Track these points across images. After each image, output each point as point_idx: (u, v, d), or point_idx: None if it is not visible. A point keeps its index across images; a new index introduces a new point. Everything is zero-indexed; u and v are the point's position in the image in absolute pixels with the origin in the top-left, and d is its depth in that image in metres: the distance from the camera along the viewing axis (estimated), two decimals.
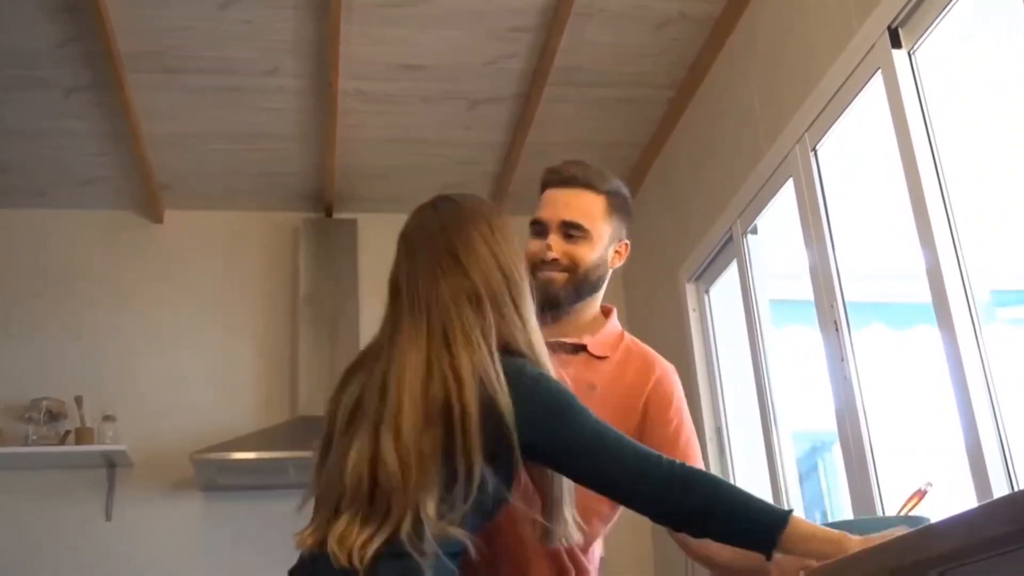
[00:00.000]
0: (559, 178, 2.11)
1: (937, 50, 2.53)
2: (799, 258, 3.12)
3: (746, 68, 3.48)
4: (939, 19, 2.45)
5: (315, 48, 3.65)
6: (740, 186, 3.51)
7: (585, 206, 2.07)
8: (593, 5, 3.48)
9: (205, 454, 4.04)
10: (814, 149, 3.01)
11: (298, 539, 1.60)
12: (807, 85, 3.00)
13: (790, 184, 3.16)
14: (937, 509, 1.81)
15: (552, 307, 2.03)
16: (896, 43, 2.57)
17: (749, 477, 3.62)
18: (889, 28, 2.57)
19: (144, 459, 4.30)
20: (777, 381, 3.38)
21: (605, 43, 3.70)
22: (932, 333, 2.64)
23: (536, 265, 2.01)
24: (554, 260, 2.03)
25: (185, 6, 3.41)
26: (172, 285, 4.63)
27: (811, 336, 3.10)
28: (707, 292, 3.98)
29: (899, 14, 2.54)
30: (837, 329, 2.86)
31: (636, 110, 4.12)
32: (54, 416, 4.24)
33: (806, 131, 3.02)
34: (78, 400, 4.22)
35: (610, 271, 2.14)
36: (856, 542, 1.55)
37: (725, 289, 3.85)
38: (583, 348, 2.06)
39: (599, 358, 2.07)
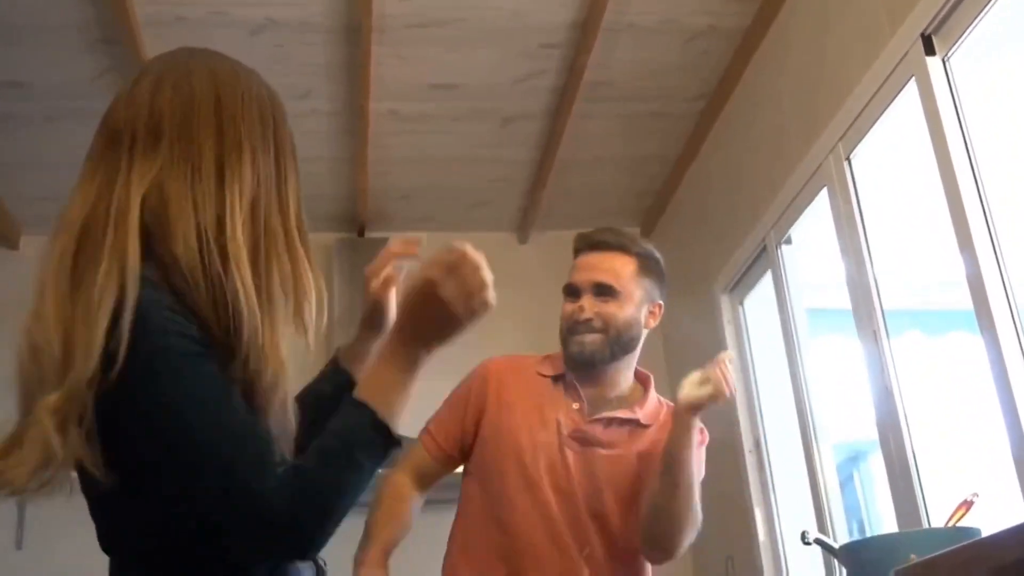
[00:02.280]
0: (590, 243, 2.24)
1: (972, 56, 2.52)
2: (834, 267, 3.11)
3: (777, 79, 3.48)
4: (973, 25, 2.44)
5: (347, 71, 3.68)
6: (773, 197, 3.50)
7: (616, 268, 2.19)
8: (622, 21, 3.49)
9: None
10: (848, 158, 3.01)
11: None
12: (840, 94, 2.99)
13: (824, 194, 3.16)
14: (984, 519, 1.80)
15: (588, 367, 2.18)
16: (930, 50, 2.56)
17: (789, 490, 3.60)
18: (922, 35, 2.56)
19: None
20: (816, 392, 3.36)
21: (635, 58, 3.71)
22: (969, 340, 2.62)
23: (570, 327, 2.17)
24: (587, 320, 2.15)
25: (217, 33, 3.45)
26: None
27: (848, 345, 3.09)
28: (742, 304, 3.97)
29: (932, 21, 2.53)
30: (876, 338, 2.84)
31: (667, 124, 4.13)
32: None
33: (839, 140, 3.01)
34: None
35: (644, 333, 2.25)
36: None
37: (760, 300, 3.84)
38: (636, 422, 2.20)
39: (645, 427, 2.22)
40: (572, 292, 2.19)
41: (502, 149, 4.24)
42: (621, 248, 2.21)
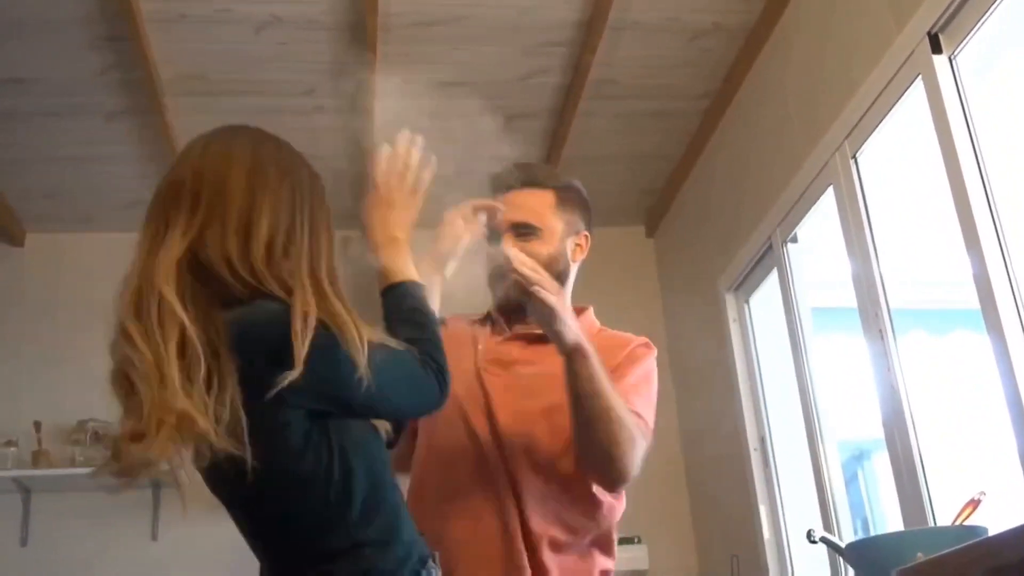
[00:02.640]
0: (503, 184, 2.12)
1: (979, 54, 2.52)
2: (840, 266, 3.11)
3: (782, 77, 3.48)
4: (980, 24, 2.44)
5: (351, 68, 3.68)
6: (779, 195, 3.49)
7: (534, 204, 2.08)
8: (627, 19, 3.49)
9: None
10: (854, 156, 3.00)
11: None
12: (846, 92, 2.99)
13: (830, 192, 3.15)
14: (991, 518, 1.80)
15: (517, 311, 2.04)
16: (936, 49, 2.55)
17: (794, 487, 3.60)
18: (929, 34, 2.56)
19: (188, 478, 4.33)
20: (821, 390, 3.36)
21: (639, 56, 3.70)
22: (974, 339, 2.62)
23: (493, 271, 1.98)
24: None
25: (223, 30, 3.46)
26: None
27: (853, 344, 3.09)
28: (747, 302, 3.96)
29: (939, 19, 2.52)
30: (882, 337, 2.84)
31: (671, 122, 4.13)
32: (100, 438, 4.28)
33: (846, 138, 3.01)
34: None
35: (573, 265, 2.12)
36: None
37: (766, 299, 3.83)
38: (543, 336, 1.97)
39: None
40: (491, 236, 2.04)
41: (506, 147, 4.23)
42: (536, 183, 2.11)
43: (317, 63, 3.66)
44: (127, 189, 4.40)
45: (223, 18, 3.38)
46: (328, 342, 1.39)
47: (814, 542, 2.12)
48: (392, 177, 1.73)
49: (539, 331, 1.99)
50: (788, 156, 3.42)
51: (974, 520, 1.78)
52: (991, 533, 1.65)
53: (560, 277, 2.05)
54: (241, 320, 1.40)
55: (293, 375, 1.34)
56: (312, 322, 1.39)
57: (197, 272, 1.44)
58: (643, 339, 2.11)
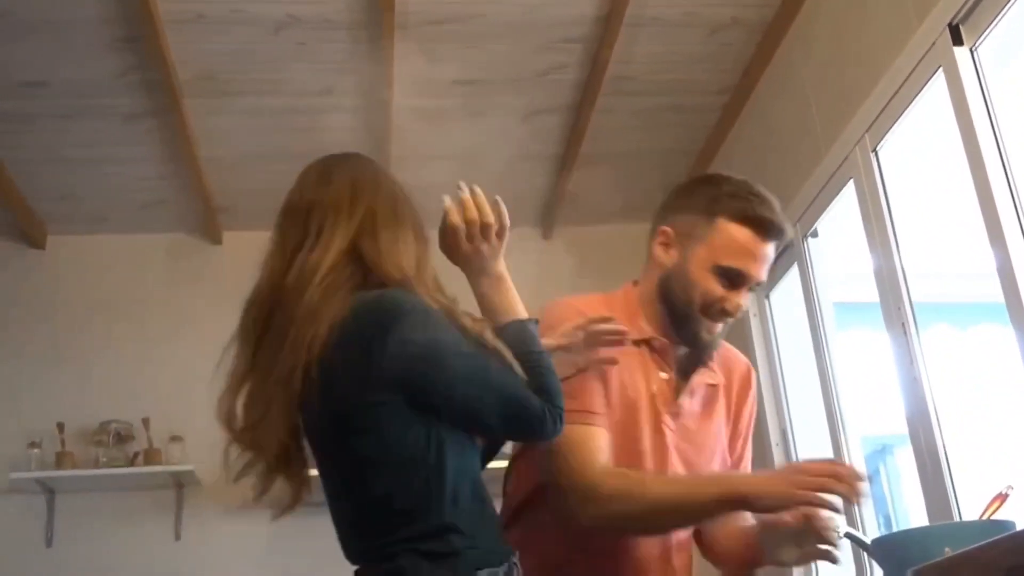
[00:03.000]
0: (774, 230, 1.88)
1: (1000, 45, 2.50)
2: (860, 260, 3.09)
3: (801, 71, 3.46)
4: (1001, 14, 2.42)
5: (368, 67, 3.68)
6: (798, 190, 3.48)
7: (770, 260, 1.92)
8: (645, 14, 3.48)
9: None
10: (875, 150, 2.98)
11: None
12: (866, 86, 2.97)
13: (851, 186, 3.13)
14: (1020, 512, 1.78)
15: (701, 351, 1.92)
16: (958, 40, 2.53)
17: None
18: (950, 25, 2.54)
19: (211, 478, 4.35)
20: (843, 384, 3.34)
21: (657, 52, 3.69)
22: (999, 332, 2.60)
23: (712, 312, 1.86)
24: (734, 316, 1.88)
25: (240, 31, 3.46)
26: (232, 305, 4.63)
27: (874, 338, 3.07)
28: (768, 297, 3.94)
29: (960, 10, 2.50)
30: (905, 331, 2.82)
31: (689, 117, 4.11)
32: (122, 438, 4.31)
33: (866, 132, 2.99)
34: (145, 422, 4.28)
35: None
36: None
37: (787, 294, 3.82)
38: (715, 386, 1.99)
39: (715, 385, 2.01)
40: (733, 278, 1.84)
41: (524, 144, 4.23)
42: (786, 237, 1.94)
43: (334, 62, 3.66)
44: (143, 190, 4.42)
45: (240, 18, 3.39)
46: (436, 333, 1.54)
47: (840, 538, 2.10)
48: (471, 224, 1.70)
49: (708, 381, 1.95)
50: (808, 150, 3.40)
51: (1002, 514, 1.76)
52: (1020, 527, 1.63)
53: None
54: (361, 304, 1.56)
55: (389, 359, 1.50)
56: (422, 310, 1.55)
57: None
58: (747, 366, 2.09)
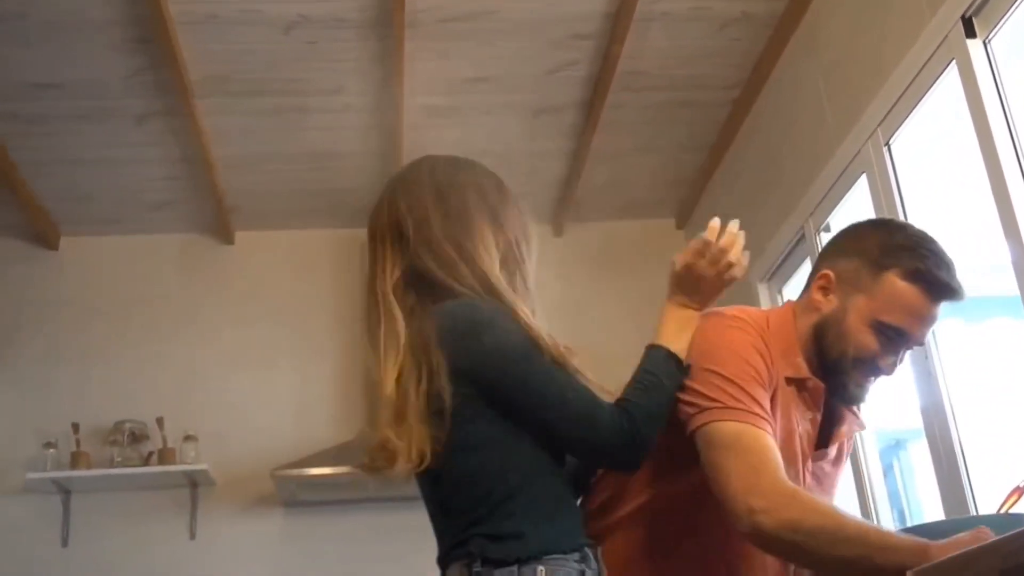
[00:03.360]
0: (948, 294, 1.73)
1: (1013, 37, 2.48)
2: None
3: (813, 65, 3.45)
4: (1015, 7, 2.41)
5: (379, 65, 3.68)
6: (811, 184, 3.47)
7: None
8: (655, 10, 3.47)
9: (285, 470, 4.09)
10: (888, 144, 2.97)
11: None
12: (878, 79, 2.96)
13: (863, 180, 3.12)
14: None
15: (844, 404, 1.83)
16: (970, 33, 2.52)
17: None
18: (963, 18, 2.53)
19: (226, 477, 4.37)
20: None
21: (667, 47, 3.68)
22: (1013, 325, 2.58)
23: (868, 369, 1.75)
24: (889, 375, 1.78)
25: (251, 31, 3.47)
26: (245, 305, 4.70)
27: None
28: (780, 292, 3.94)
29: (972, 3, 2.49)
30: None
31: (700, 113, 4.10)
32: (137, 438, 4.33)
33: (879, 126, 2.98)
34: (159, 422, 4.30)
35: None
36: None
37: (799, 288, 3.79)
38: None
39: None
40: (893, 337, 1.73)
41: (535, 141, 4.23)
42: (962, 300, 1.78)
43: (345, 61, 3.66)
44: (156, 191, 4.44)
45: (251, 19, 3.40)
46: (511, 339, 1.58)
47: None
48: (703, 261, 1.69)
49: (844, 432, 1.86)
50: (820, 144, 3.39)
51: (1020, 508, 1.75)
52: None
53: None
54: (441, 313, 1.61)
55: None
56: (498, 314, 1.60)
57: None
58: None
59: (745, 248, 1.71)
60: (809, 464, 1.79)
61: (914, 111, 2.83)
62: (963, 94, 2.55)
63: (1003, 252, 2.44)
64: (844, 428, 1.85)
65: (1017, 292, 2.40)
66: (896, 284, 1.71)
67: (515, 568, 1.49)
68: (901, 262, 1.71)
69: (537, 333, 1.60)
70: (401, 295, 1.66)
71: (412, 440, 1.56)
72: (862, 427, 1.95)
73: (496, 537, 1.52)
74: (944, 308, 1.74)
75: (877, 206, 3.03)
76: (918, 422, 2.87)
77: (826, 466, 1.85)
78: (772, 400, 1.70)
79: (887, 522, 3.18)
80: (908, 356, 2.79)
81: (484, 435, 1.58)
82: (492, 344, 1.58)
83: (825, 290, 1.79)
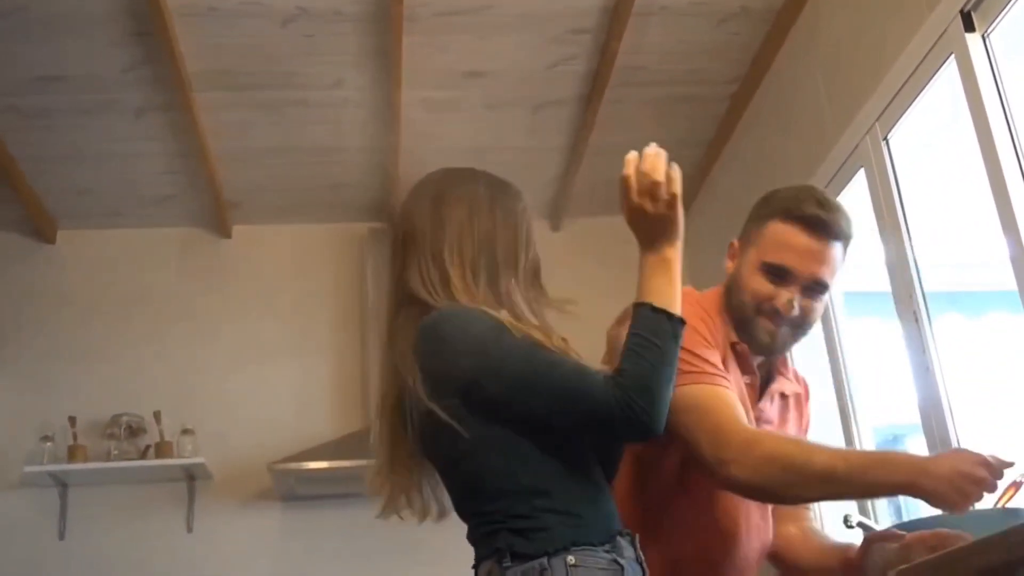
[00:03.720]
0: (824, 228, 1.85)
1: (1013, 32, 2.49)
2: (869, 249, 3.08)
3: (811, 59, 3.45)
4: (1014, 1, 2.41)
5: (378, 59, 3.68)
6: (808, 179, 3.45)
7: (835, 261, 1.88)
8: (654, 4, 3.47)
9: (283, 464, 4.09)
10: (886, 138, 2.97)
11: None
12: (877, 74, 2.96)
13: (862, 175, 3.12)
14: None
15: (764, 355, 1.94)
16: (969, 27, 2.52)
17: None
18: (961, 12, 2.53)
19: (223, 471, 4.37)
20: (855, 374, 3.33)
21: (666, 42, 3.68)
22: (1011, 320, 2.58)
23: (767, 312, 1.87)
24: (789, 316, 1.86)
25: (249, 25, 3.46)
26: (243, 299, 4.70)
27: (884, 328, 3.06)
28: None
29: None
30: (917, 320, 2.81)
31: (699, 107, 4.10)
32: (134, 432, 4.33)
33: (877, 120, 2.98)
34: (157, 415, 4.30)
35: None
36: None
37: None
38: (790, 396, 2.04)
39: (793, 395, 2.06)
40: (780, 275, 1.85)
41: (534, 136, 4.23)
42: (845, 237, 1.88)
43: (344, 55, 3.66)
44: (155, 184, 4.43)
45: (250, 11, 3.39)
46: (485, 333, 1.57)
47: (851, 527, 2.09)
48: (644, 192, 1.62)
49: (786, 391, 2.00)
50: (818, 139, 3.39)
51: (1016, 502, 1.76)
52: None
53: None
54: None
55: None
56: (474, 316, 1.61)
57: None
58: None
59: (671, 161, 1.64)
60: (752, 422, 1.88)
61: (913, 106, 2.83)
62: (962, 88, 2.55)
63: (1001, 246, 2.44)
64: (774, 386, 1.97)
65: (1015, 286, 2.40)
66: (775, 227, 1.88)
67: (545, 559, 1.49)
68: (779, 208, 1.89)
69: (503, 321, 1.58)
70: (392, 315, 1.71)
71: (411, 496, 1.69)
72: (797, 389, 2.05)
73: (522, 531, 1.53)
74: (834, 248, 1.86)
75: (875, 200, 3.03)
76: (915, 417, 2.88)
77: (768, 428, 1.95)
78: (723, 361, 1.84)
79: (884, 517, 3.18)
80: (905, 350, 2.82)
81: (486, 438, 1.57)
82: (458, 345, 1.58)
83: (731, 257, 1.98)
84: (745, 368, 1.92)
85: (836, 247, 1.87)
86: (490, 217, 1.72)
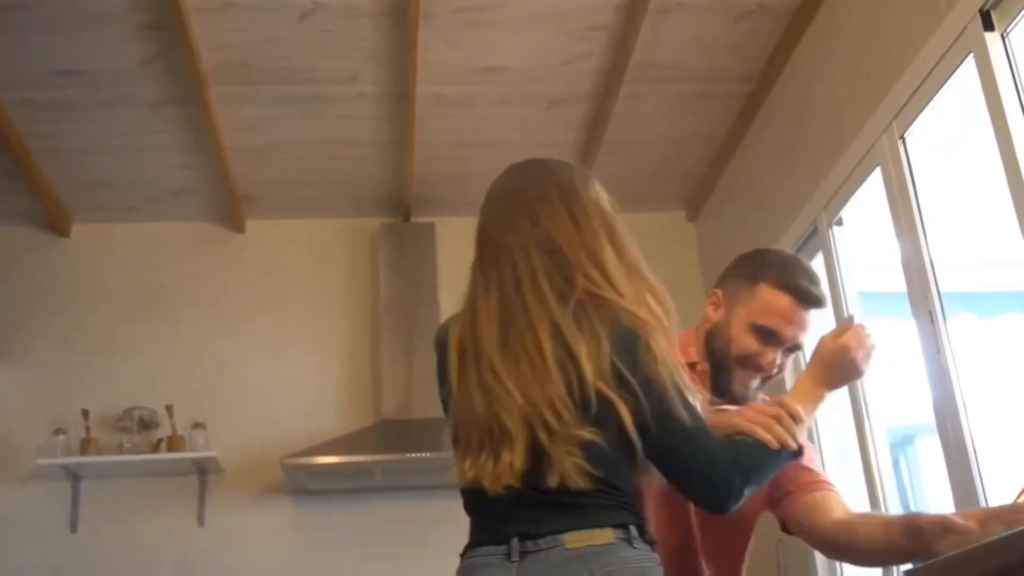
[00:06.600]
0: (814, 301, 2.05)
1: None
2: (884, 249, 3.07)
3: (828, 57, 3.44)
4: None
5: (394, 55, 3.68)
6: (824, 177, 3.46)
7: (813, 326, 2.07)
8: (670, 1, 3.46)
9: (294, 459, 4.09)
10: (903, 137, 2.96)
11: (458, 473, 1.71)
12: (894, 72, 2.95)
13: (878, 173, 3.11)
14: None
15: (732, 402, 2.02)
16: (988, 26, 2.51)
17: (841, 473, 3.57)
18: (981, 10, 2.52)
19: (234, 465, 4.38)
20: (869, 375, 3.31)
21: (682, 38, 3.68)
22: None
23: (750, 367, 2.04)
24: (769, 376, 2.05)
25: (266, 19, 3.47)
26: (255, 293, 4.71)
27: (900, 327, 3.05)
28: None
29: None
30: (932, 320, 2.80)
31: (715, 104, 4.09)
32: (146, 425, 4.34)
33: (894, 119, 2.97)
34: (169, 409, 4.31)
35: None
36: None
37: None
38: None
39: None
40: (768, 337, 2.03)
41: (549, 132, 4.22)
42: (825, 306, 2.09)
43: (360, 50, 3.66)
44: (169, 179, 4.44)
45: (267, 6, 3.40)
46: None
47: None
48: (856, 349, 1.83)
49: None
50: (834, 137, 3.38)
51: None
52: None
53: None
54: None
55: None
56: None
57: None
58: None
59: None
60: None
61: (930, 104, 2.82)
62: (980, 88, 2.54)
63: (1018, 248, 2.42)
64: (724, 401, 2.06)
65: None
66: (768, 292, 2.04)
67: (656, 557, 1.64)
68: (771, 275, 2.05)
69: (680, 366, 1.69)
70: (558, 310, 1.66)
71: None
72: None
73: (639, 517, 1.67)
74: (813, 315, 2.05)
75: (891, 199, 3.02)
76: (927, 417, 2.87)
77: None
78: None
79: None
80: (920, 350, 2.81)
81: (623, 436, 1.65)
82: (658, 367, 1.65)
83: (715, 306, 2.12)
84: (703, 387, 2.02)
85: (816, 314, 2.07)
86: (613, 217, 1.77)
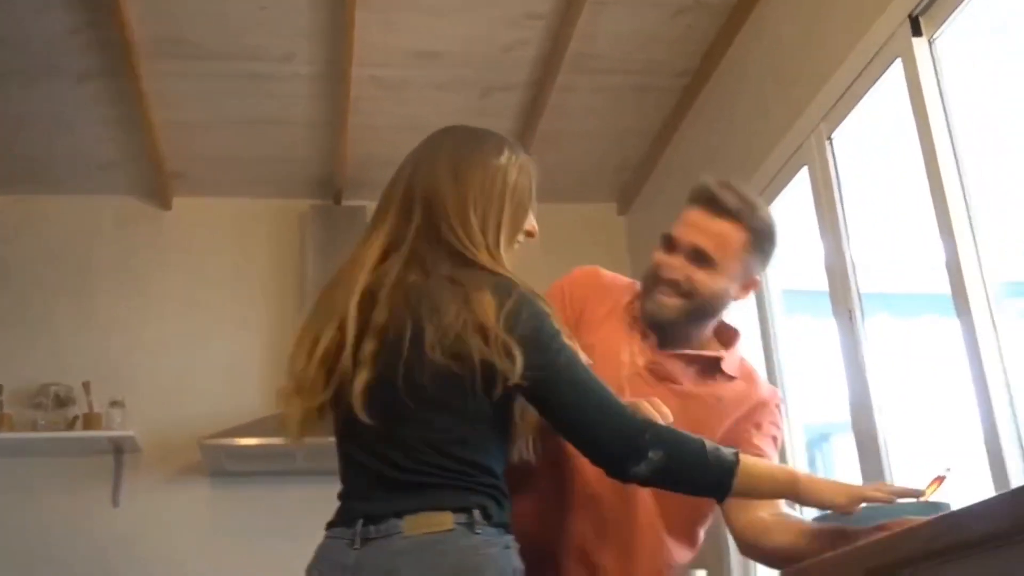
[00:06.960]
0: (706, 199, 1.95)
1: (958, 38, 2.53)
2: (807, 248, 3.12)
3: (761, 56, 3.48)
4: (961, 7, 2.45)
5: (330, 35, 3.64)
6: (752, 175, 3.49)
7: (725, 236, 1.93)
8: None
9: (213, 440, 4.04)
10: (830, 138, 3.01)
11: None
12: (824, 74, 2.99)
13: (805, 173, 3.16)
14: (955, 495, 1.81)
15: (655, 330, 1.97)
16: (917, 31, 2.56)
17: None
18: (910, 16, 2.56)
19: (152, 445, 4.31)
20: (788, 372, 3.37)
21: (620, 31, 3.69)
22: (941, 323, 2.63)
23: (654, 279, 1.95)
24: (674, 280, 1.92)
25: None
26: (180, 272, 4.63)
27: (818, 326, 3.10)
28: None
29: (920, 2, 2.53)
30: (851, 319, 2.85)
31: (649, 98, 4.12)
32: (62, 402, 4.25)
33: (822, 120, 3.02)
34: (86, 386, 4.22)
35: (731, 303, 2.02)
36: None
37: None
38: (718, 363, 1.99)
39: (730, 377, 2.00)
40: (668, 244, 1.95)
41: (483, 119, 4.16)
42: (737, 217, 1.93)
43: (296, 28, 3.61)
44: (96, 152, 4.35)
45: None
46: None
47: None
48: (890, 491, 1.72)
49: (706, 354, 1.99)
50: (764, 135, 3.43)
51: (939, 496, 1.79)
52: (954, 508, 1.67)
53: (714, 311, 1.99)
54: None
55: None
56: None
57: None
58: (777, 395, 2.10)
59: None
60: (648, 378, 1.95)
61: (858, 106, 2.87)
62: (906, 92, 2.59)
63: (937, 250, 2.48)
64: (687, 351, 1.99)
65: (948, 290, 2.44)
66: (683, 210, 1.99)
67: (510, 538, 1.62)
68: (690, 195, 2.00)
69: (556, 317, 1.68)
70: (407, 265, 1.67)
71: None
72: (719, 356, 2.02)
73: (496, 499, 1.62)
74: (721, 224, 1.92)
75: (817, 199, 3.07)
76: (842, 416, 2.92)
77: (675, 386, 1.95)
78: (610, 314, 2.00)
79: (810, 512, 3.22)
80: (839, 348, 2.86)
81: (497, 408, 1.64)
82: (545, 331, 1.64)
83: None
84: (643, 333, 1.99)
85: (724, 225, 1.93)
86: (504, 180, 1.75)
